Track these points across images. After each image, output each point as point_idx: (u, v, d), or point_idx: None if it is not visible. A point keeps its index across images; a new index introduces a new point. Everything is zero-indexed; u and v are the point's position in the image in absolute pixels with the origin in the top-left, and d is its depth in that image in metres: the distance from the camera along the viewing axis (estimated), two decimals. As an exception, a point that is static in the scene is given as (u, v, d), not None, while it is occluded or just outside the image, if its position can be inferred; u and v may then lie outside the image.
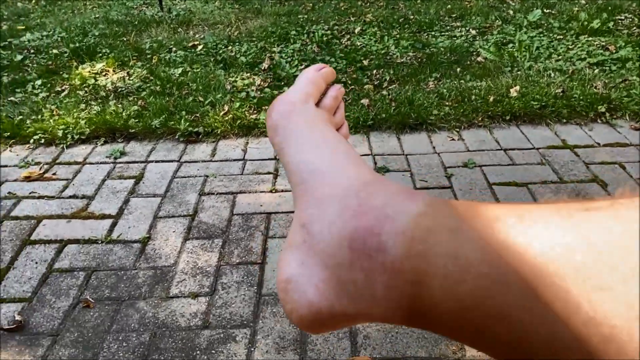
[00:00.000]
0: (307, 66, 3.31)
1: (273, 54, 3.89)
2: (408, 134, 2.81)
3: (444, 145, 2.69)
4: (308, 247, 0.34)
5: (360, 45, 4.05)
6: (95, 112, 3.01)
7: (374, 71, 3.54)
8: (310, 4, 5.23)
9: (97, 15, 5.04)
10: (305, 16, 4.81)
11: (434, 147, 2.68)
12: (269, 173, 2.51)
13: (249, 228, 2.14)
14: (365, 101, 3.02)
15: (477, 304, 0.25)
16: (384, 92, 3.15)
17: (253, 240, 2.07)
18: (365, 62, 3.70)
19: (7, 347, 1.64)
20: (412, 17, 4.66)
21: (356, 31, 4.35)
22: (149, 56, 3.92)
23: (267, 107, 3.03)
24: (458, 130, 2.81)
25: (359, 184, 0.35)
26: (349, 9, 5.00)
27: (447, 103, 2.98)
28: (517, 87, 3.07)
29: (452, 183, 2.38)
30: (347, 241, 0.31)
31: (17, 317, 1.73)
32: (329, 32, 4.33)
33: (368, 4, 5.18)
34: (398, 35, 4.20)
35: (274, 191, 2.37)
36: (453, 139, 2.74)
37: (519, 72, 3.37)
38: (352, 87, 3.28)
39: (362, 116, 2.87)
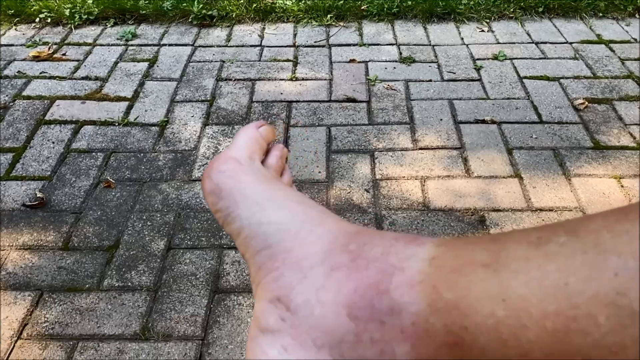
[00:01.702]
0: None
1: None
2: (435, 23, 2.65)
3: (473, 36, 2.55)
4: (291, 327, 0.25)
5: None
6: (102, -9, 2.83)
7: (398, -43, 3.29)
8: None
9: None
10: None
11: (462, 38, 2.54)
12: (287, 60, 2.40)
13: (270, 116, 2.07)
14: (390, -12, 2.83)
15: (552, 351, 0.18)
16: (410, -21, 2.95)
17: (275, 128, 2.01)
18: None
19: (31, 222, 1.63)
20: None
21: None
22: None
23: (284, -8, 2.85)
24: (488, 21, 2.66)
25: (347, 235, 0.26)
26: None
27: (477, -8, 2.79)
28: (553, -22, 2.87)
29: (481, 75, 2.28)
30: (345, 309, 0.24)
31: (39, 195, 1.72)
32: None
33: None
34: None
35: (294, 79, 2.27)
36: (482, 30, 2.59)
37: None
38: (375, -27, 3.06)
39: (386, 3, 2.70)
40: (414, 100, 2.14)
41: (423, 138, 1.95)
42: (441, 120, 2.04)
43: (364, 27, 2.63)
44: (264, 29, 2.63)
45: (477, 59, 2.38)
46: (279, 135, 1.96)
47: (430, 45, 2.49)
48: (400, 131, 1.99)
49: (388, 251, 0.24)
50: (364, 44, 2.50)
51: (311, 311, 0.25)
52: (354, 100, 2.15)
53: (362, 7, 2.69)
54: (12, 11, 2.68)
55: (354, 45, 2.50)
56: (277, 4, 2.72)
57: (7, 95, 2.15)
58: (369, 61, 2.38)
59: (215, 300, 1.42)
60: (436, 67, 2.34)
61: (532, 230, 0.21)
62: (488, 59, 2.38)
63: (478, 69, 2.31)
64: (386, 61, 2.38)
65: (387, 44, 2.50)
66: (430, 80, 2.26)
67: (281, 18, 2.69)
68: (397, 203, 1.70)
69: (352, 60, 2.39)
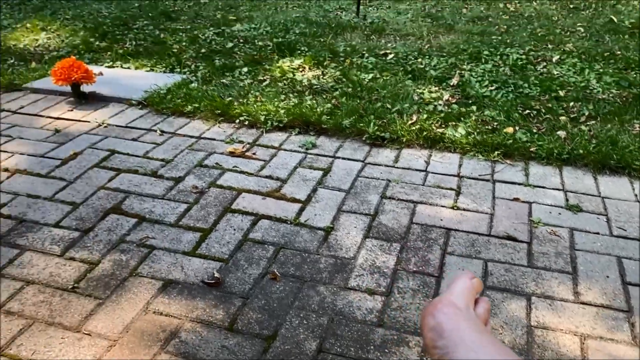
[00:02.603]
0: (497, 88, 3.23)
1: (463, 71, 3.86)
2: (607, 175, 2.61)
3: (649, 194, 2.45)
4: None
5: (557, 74, 3.85)
6: (292, 104, 3.25)
7: (571, 103, 3.33)
8: (505, 26, 5.08)
9: (297, 15, 5.41)
10: (499, 37, 4.69)
11: (636, 195, 2.45)
12: (450, 189, 2.50)
13: (428, 240, 2.15)
14: (561, 133, 2.87)
15: None
16: (583, 127, 2.96)
17: (431, 253, 2.08)
18: (562, 93, 3.50)
19: (206, 299, 1.84)
20: (618, 52, 4.31)
21: (553, 59, 4.14)
22: (342, 58, 4.12)
23: (454, 123, 3.02)
24: (667, 181, 2.54)
25: None
26: (546, 35, 4.77)
27: (656, 150, 2.71)
28: None
29: (655, 237, 2.16)
30: None
31: (216, 275, 1.94)
32: (523, 56, 4.18)
33: (568, 33, 4.89)
34: (601, 70, 3.91)
35: (455, 208, 2.35)
36: (660, 190, 2.49)
37: None
38: (547, 116, 3.13)
39: (556, 148, 2.73)
40: (578, 250, 2.09)
41: (586, 292, 1.88)
42: (607, 277, 1.95)
43: (531, 168, 2.67)
44: (430, 155, 2.79)
45: (653, 219, 2.27)
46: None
47: (599, 196, 2.44)
48: (561, 280, 1.94)
49: None
50: (529, 185, 2.53)
51: None
52: (514, 239, 2.16)
53: (531, 149, 2.75)
54: (219, 111, 3.17)
55: (519, 184, 2.54)
56: (446, 135, 2.89)
57: (204, 182, 2.52)
58: (533, 202, 2.40)
59: (356, 414, 1.45)
60: (605, 220, 2.28)
61: None
62: (665, 220, 2.26)
63: (653, 230, 2.20)
64: (551, 205, 2.38)
65: (553, 188, 2.50)
66: (598, 233, 2.19)
67: (448, 148, 2.84)
68: (551, 355, 1.63)
69: (516, 199, 2.42)
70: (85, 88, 3.37)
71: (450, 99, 3.39)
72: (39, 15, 5.21)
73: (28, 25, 4.87)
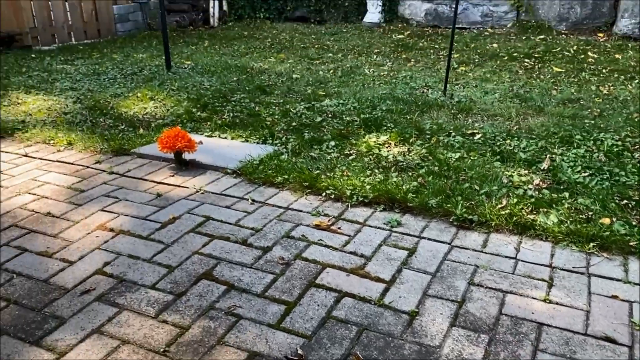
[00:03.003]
0: (591, 175, 3.12)
1: (554, 155, 3.77)
2: None
3: None
4: None
5: (658, 162, 3.66)
6: (378, 179, 3.31)
7: (675, 195, 3.15)
8: (598, 110, 4.95)
9: (384, 92, 5.59)
10: (592, 121, 4.57)
11: None
12: (542, 280, 2.40)
13: (518, 333, 2.06)
14: (665, 228, 2.70)
15: None
16: (689, 222, 2.77)
17: (521, 348, 1.99)
18: (663, 183, 3.32)
19: (289, 374, 1.85)
20: None
21: (653, 146, 3.95)
22: (428, 136, 4.17)
23: (545, 210, 2.93)
24: None
25: None
26: (644, 120, 4.60)
27: None
28: None
29: None
30: None
31: (299, 352, 1.96)
32: (619, 142, 4.03)
33: (669, 118, 4.68)
34: None
35: (547, 301, 2.25)
36: None
37: None
38: (647, 208, 2.97)
39: (659, 244, 2.56)
40: (688, 360, 1.92)
41: (700, 411, 1.71)
42: None
43: (630, 264, 2.52)
44: (520, 242, 2.71)
45: None
46: None
47: None
48: (670, 394, 1.77)
49: None
50: (629, 282, 2.38)
51: None
52: (613, 341, 2.02)
53: (630, 243, 2.60)
54: (307, 183, 3.29)
55: (617, 280, 2.39)
56: (537, 221, 2.81)
57: (290, 254, 2.58)
58: (634, 302, 2.24)
59: None
60: None
61: None
62: None
63: None
64: (655, 307, 2.21)
65: (657, 288, 2.33)
66: None
67: (539, 235, 2.75)
68: None
69: (614, 296, 2.28)
70: (187, 156, 3.63)
71: (540, 183, 3.31)
72: (148, 86, 5.73)
73: (138, 94, 5.36)
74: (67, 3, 8.82)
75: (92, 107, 4.99)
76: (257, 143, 4.09)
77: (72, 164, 3.73)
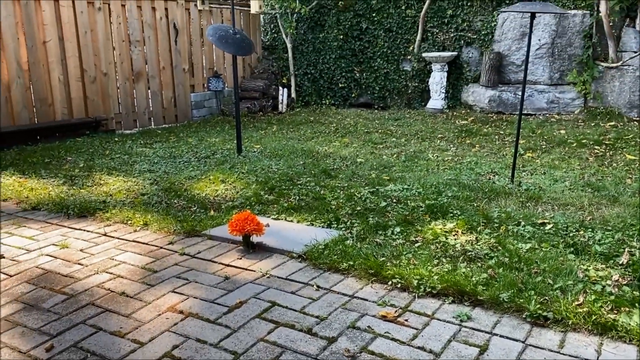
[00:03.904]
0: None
1: (632, 249, 3.58)
2: None
3: None
4: None
5: None
6: (446, 269, 3.24)
7: None
8: (680, 200, 4.71)
9: (449, 177, 5.58)
10: (674, 213, 4.34)
11: None
12: (629, 388, 2.22)
13: None
14: None
15: None
16: None
17: None
18: None
19: None
20: None
21: None
22: (496, 225, 4.08)
23: (627, 309, 2.75)
24: None
25: None
26: None
27: None
28: None
29: None
30: None
31: None
32: None
33: None
34: None
35: (636, 413, 2.07)
36: None
37: None
38: None
39: None
40: None
41: None
42: None
43: None
44: (601, 344, 2.54)
45: None
46: None
47: None
48: None
49: None
50: None
51: None
52: None
53: None
54: (372, 271, 3.27)
55: None
56: (619, 322, 2.63)
57: (356, 346, 2.54)
58: None
59: None
60: None
61: None
62: None
63: None
64: None
65: None
66: None
67: (622, 337, 2.57)
68: None
69: None
70: (254, 239, 3.72)
71: (620, 279, 3.13)
72: (220, 169, 6.02)
73: (211, 177, 5.63)
74: (149, 91, 9.60)
75: (167, 188, 5.27)
76: (322, 227, 4.15)
77: (147, 244, 3.91)
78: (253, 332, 2.66)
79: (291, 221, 4.32)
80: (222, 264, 3.53)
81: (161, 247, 3.83)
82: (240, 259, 3.60)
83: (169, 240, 3.98)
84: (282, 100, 11.19)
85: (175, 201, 4.89)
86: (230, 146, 7.45)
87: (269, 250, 3.71)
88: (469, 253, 3.54)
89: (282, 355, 2.46)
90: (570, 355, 2.46)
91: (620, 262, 3.37)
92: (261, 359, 2.43)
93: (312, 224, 4.23)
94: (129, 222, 4.37)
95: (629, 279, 3.15)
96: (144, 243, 3.92)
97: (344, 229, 4.09)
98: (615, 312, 2.75)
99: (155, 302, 2.99)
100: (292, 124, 9.67)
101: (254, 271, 3.39)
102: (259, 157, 6.66)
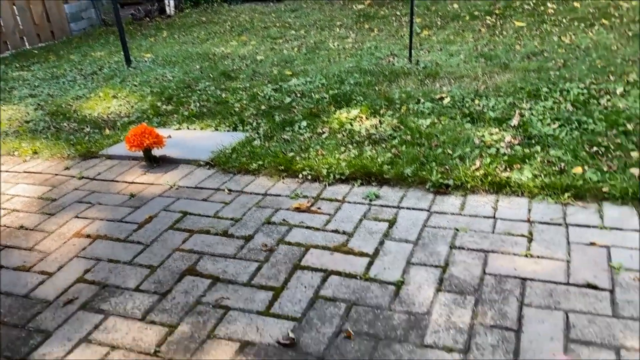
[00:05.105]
0: (560, 126, 3.16)
1: (523, 111, 3.80)
2: (691, 213, 2.47)
3: None
4: None
5: (623, 107, 3.72)
6: (353, 155, 3.30)
7: (642, 137, 3.21)
8: (562, 60, 5.00)
9: (350, 65, 5.55)
10: (557, 72, 4.62)
11: None
12: (522, 235, 2.44)
13: (503, 291, 2.10)
14: (634, 171, 2.76)
15: None
16: (658, 163, 2.84)
17: (507, 305, 2.02)
18: (630, 127, 3.38)
19: None
20: (688, 78, 4.13)
21: (617, 92, 4.01)
22: (398, 106, 4.16)
23: (519, 166, 2.97)
24: None
25: None
26: (607, 66, 4.65)
27: None
28: None
29: None
30: None
31: (291, 335, 1.96)
32: (584, 90, 4.08)
33: (630, 63, 4.75)
34: (671, 99, 3.76)
35: (528, 256, 2.29)
36: None
37: None
38: (616, 153, 3.02)
39: (630, 187, 2.62)
40: (667, 297, 1.97)
41: (682, 344, 1.76)
42: None
43: (605, 210, 2.57)
44: (497, 201, 2.75)
45: None
46: None
47: (685, 236, 2.31)
48: (652, 331, 1.83)
49: None
50: (605, 227, 2.43)
51: None
52: (595, 287, 2.06)
53: (603, 189, 2.65)
54: (282, 167, 3.26)
55: (594, 227, 2.44)
56: (512, 179, 2.84)
57: (273, 239, 2.58)
58: (612, 246, 2.30)
59: None
60: (694, 262, 2.15)
61: None
62: None
63: None
64: (632, 249, 2.27)
65: (632, 230, 2.39)
66: (688, 277, 2.07)
67: (515, 192, 2.78)
68: (651, 417, 1.53)
69: (592, 244, 2.33)
70: (156, 152, 3.56)
71: (512, 140, 3.34)
72: (109, 84, 5.60)
73: (100, 94, 5.23)
74: (15, 7, 8.51)
75: (54, 112, 4.86)
76: (228, 131, 4.04)
77: (40, 173, 3.64)
78: (167, 244, 2.62)
79: (194, 129, 4.16)
80: (126, 182, 3.37)
81: (56, 174, 3.59)
82: (145, 174, 3.46)
83: (64, 165, 3.72)
84: (169, 2, 10.36)
85: (64, 124, 4.53)
86: (117, 58, 6.90)
87: (174, 162, 3.58)
88: (374, 136, 3.61)
89: (200, 260, 2.46)
90: (470, 215, 2.64)
91: (512, 125, 3.58)
92: (179, 267, 2.42)
93: (217, 130, 4.10)
94: (16, 153, 4.02)
95: (520, 138, 3.37)
96: (36, 172, 3.65)
97: (250, 130, 4.01)
98: (509, 170, 2.95)
99: (58, 231, 2.83)
100: (183, 27, 9.05)
101: (161, 185, 3.28)
102: (151, 67, 6.24)
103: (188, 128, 4.20)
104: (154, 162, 3.58)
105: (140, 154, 3.57)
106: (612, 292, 2.04)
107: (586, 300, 2.00)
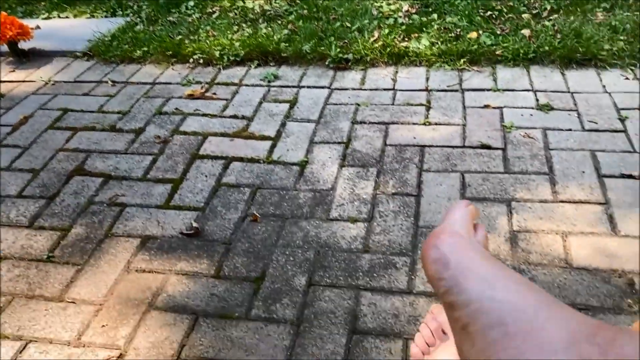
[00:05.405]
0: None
1: (419, -21, 3.69)
2: (574, 69, 2.58)
3: (617, 84, 2.45)
4: None
5: (516, -31, 3.71)
6: (247, 34, 3.08)
7: (532, -1, 3.24)
8: None
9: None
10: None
11: (604, 86, 2.44)
12: (420, 105, 2.45)
13: (403, 160, 2.12)
14: (526, 32, 2.80)
15: None
16: (546, 23, 2.89)
17: (408, 172, 2.06)
18: (522, -11, 3.39)
19: (188, 250, 1.80)
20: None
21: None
22: (292, -21, 3.89)
23: (416, 35, 2.92)
24: (633, 68, 2.53)
25: (590, 327, 0.29)
26: None
27: (621, 37, 2.68)
28: None
29: (626, 127, 2.17)
30: None
31: (194, 224, 1.90)
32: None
33: None
34: (559, -41, 3.78)
35: (427, 124, 2.31)
36: (627, 78, 2.48)
37: None
38: (509, 15, 3.05)
39: (522, 48, 2.67)
40: (553, 149, 2.09)
41: (564, 190, 1.90)
42: (583, 172, 1.97)
43: (499, 72, 2.62)
44: (396, 72, 2.71)
45: (622, 109, 2.28)
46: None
47: (569, 92, 2.42)
48: (539, 182, 1.95)
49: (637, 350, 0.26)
50: (499, 89, 2.49)
51: None
52: (488, 147, 2.14)
53: (497, 52, 2.69)
54: (170, 52, 3.00)
55: (488, 90, 2.50)
56: (410, 48, 2.80)
57: (166, 130, 2.41)
58: (504, 107, 2.37)
59: (353, 341, 1.47)
60: (576, 115, 2.27)
61: None
62: (634, 108, 2.27)
63: (623, 120, 2.21)
64: (522, 107, 2.35)
65: (522, 90, 2.47)
66: (570, 130, 2.19)
67: (414, 62, 2.75)
68: (536, 258, 1.66)
69: (487, 106, 2.39)
70: (24, 45, 3.13)
71: (409, 9, 3.26)
72: (-43, -30, 4.75)
73: (-53, -18, 4.44)
74: None
75: None
76: (106, 17, 3.61)
77: None
78: (49, 145, 2.37)
79: (67, 17, 3.68)
80: (-8, 81, 2.98)
81: None
82: (13, 71, 3.06)
83: None
84: None
85: None
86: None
87: (47, 55, 3.18)
88: (269, 13, 3.38)
89: (88, 159, 2.26)
90: (370, 89, 2.60)
91: (409, -6, 3.48)
92: (65, 168, 2.22)
93: (93, 16, 3.66)
94: None
95: (417, 7, 3.29)
96: None
97: (131, 14, 3.61)
98: (407, 40, 2.90)
99: None
100: None
101: (34, 81, 2.92)
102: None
103: (59, 17, 3.71)
104: (23, 57, 3.15)
105: (5, 48, 3.12)
106: (504, 150, 2.12)
107: (480, 160, 2.08)
